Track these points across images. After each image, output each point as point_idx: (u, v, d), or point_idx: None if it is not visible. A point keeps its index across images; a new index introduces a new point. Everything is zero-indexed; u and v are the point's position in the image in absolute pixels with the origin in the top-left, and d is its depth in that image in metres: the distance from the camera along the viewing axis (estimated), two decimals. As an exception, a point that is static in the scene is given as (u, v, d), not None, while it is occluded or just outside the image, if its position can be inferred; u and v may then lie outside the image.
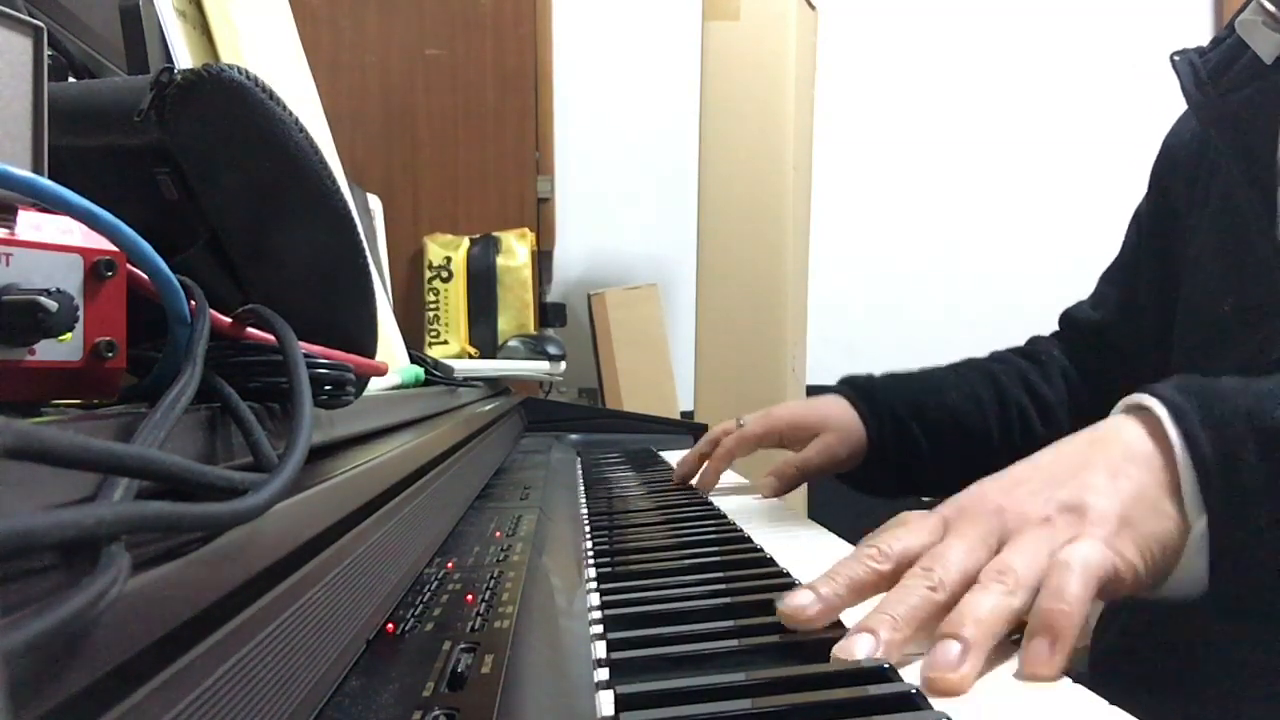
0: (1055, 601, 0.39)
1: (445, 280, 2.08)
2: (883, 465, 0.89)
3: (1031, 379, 0.92)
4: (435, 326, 2.07)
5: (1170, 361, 0.79)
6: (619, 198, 2.44)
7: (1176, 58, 0.77)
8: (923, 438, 0.88)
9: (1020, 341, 1.01)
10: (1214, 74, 0.74)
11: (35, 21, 0.30)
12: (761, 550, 0.59)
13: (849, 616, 0.43)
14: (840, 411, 0.88)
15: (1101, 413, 0.90)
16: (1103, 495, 0.44)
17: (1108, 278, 0.93)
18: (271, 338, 0.36)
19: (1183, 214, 0.80)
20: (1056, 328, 0.98)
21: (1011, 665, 0.39)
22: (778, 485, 0.86)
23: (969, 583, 0.42)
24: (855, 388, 0.90)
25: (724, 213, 1.72)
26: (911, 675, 0.37)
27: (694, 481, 0.92)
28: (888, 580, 0.43)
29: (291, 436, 0.29)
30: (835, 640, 0.40)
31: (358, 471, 0.40)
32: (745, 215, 1.71)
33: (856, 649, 0.39)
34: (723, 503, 0.82)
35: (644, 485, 0.94)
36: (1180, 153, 0.81)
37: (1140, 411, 0.48)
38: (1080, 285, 0.97)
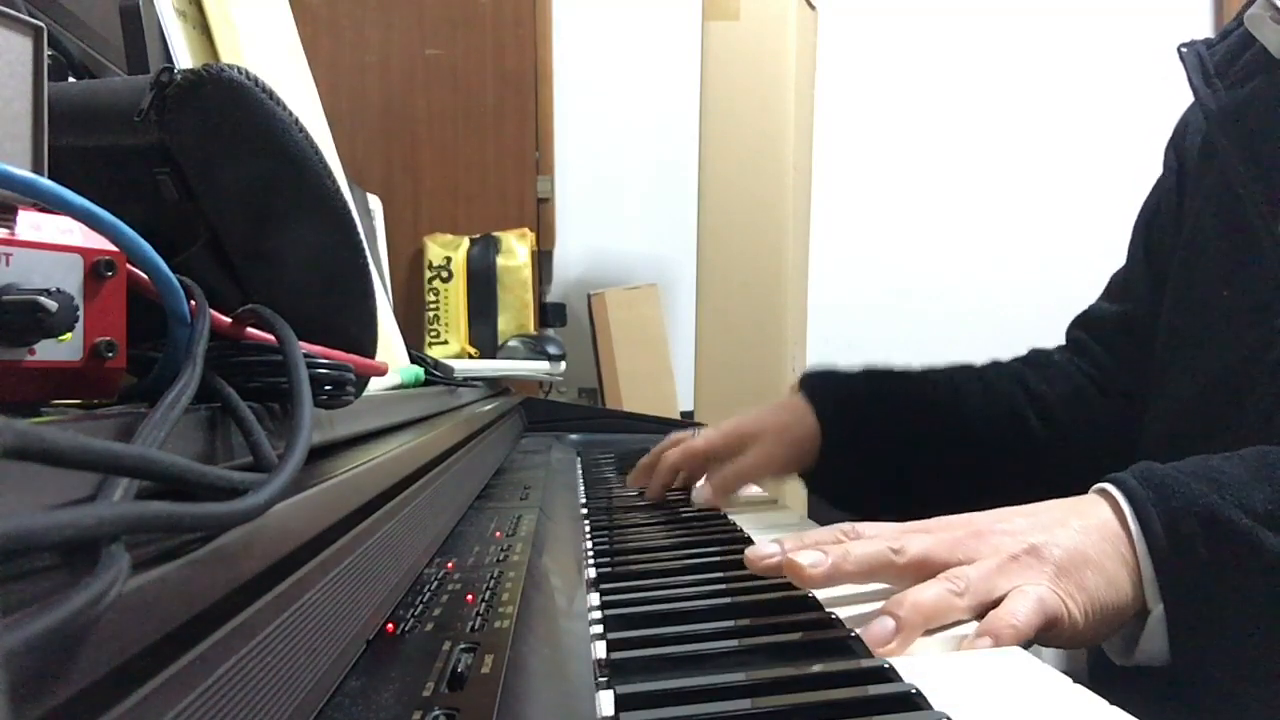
0: (1006, 615, 0.44)
1: (445, 280, 2.08)
2: (842, 454, 0.82)
3: (1027, 379, 0.89)
4: (435, 326, 2.07)
5: (1165, 350, 0.77)
6: (619, 198, 2.44)
7: (1184, 49, 0.76)
8: (886, 413, 0.83)
9: (1022, 338, 0.99)
10: (1221, 67, 0.74)
11: (35, 21, 0.30)
12: (761, 550, 0.59)
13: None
14: (779, 416, 0.83)
15: (1117, 412, 0.87)
16: (1066, 553, 0.48)
17: (1126, 270, 0.90)
18: (271, 338, 0.36)
19: (1188, 199, 0.79)
20: (1061, 326, 0.96)
21: (1012, 665, 0.39)
22: (711, 497, 0.79)
23: (929, 570, 0.47)
24: (810, 376, 0.86)
25: (724, 213, 1.72)
26: (907, 672, 0.37)
27: (647, 495, 0.85)
28: None
29: (291, 436, 0.29)
30: (838, 640, 0.40)
31: (358, 471, 0.40)
32: (745, 215, 1.71)
33: (802, 557, 0.45)
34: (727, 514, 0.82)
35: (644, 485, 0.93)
36: (1190, 140, 0.81)
37: (1109, 497, 0.52)
38: (1080, 285, 0.97)
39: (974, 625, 0.45)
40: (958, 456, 0.84)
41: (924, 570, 0.47)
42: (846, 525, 0.51)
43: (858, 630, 0.41)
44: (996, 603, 0.45)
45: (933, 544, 0.48)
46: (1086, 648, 0.52)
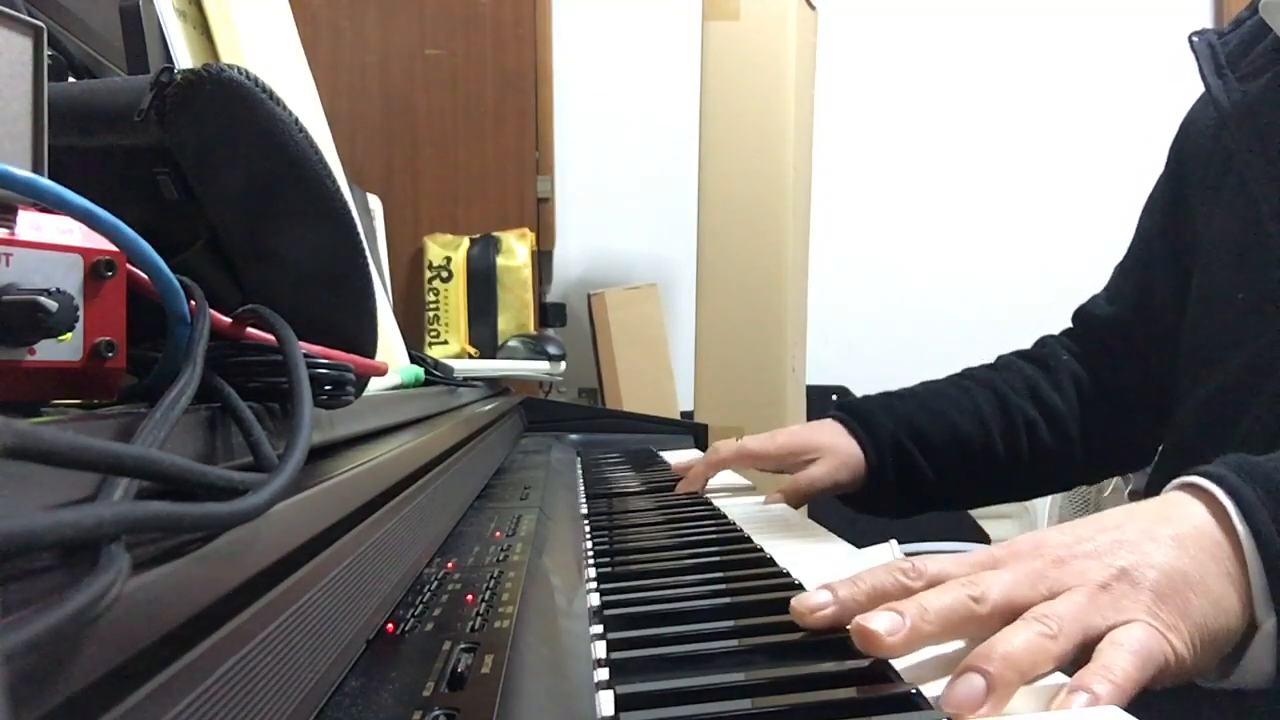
0: (1102, 671, 0.36)
1: (445, 280, 2.08)
2: (884, 489, 0.88)
3: (1040, 388, 0.90)
4: (435, 326, 2.07)
5: (1180, 354, 0.77)
6: (619, 198, 2.44)
7: (1195, 38, 0.74)
8: (925, 462, 0.87)
9: (1020, 340, 0.99)
10: (1233, 58, 0.72)
11: (35, 21, 0.30)
12: (761, 550, 0.59)
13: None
14: (839, 439, 0.88)
15: (1114, 417, 0.89)
16: (1164, 575, 0.42)
17: (1122, 269, 0.90)
18: (271, 338, 0.36)
19: (1197, 200, 0.78)
20: (1066, 325, 0.95)
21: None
22: (788, 502, 0.86)
23: (1013, 613, 0.40)
24: (851, 413, 0.89)
25: (724, 213, 1.72)
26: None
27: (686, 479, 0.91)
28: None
29: (291, 436, 0.29)
30: (839, 639, 0.40)
31: (358, 471, 0.39)
32: (745, 215, 1.71)
33: (876, 621, 0.38)
34: (724, 504, 0.82)
35: (644, 485, 0.94)
36: (1197, 138, 0.79)
37: (1202, 494, 0.46)
38: (1081, 281, 0.96)
39: (1060, 677, 0.38)
40: (980, 469, 0.89)
41: (1009, 616, 0.40)
42: (904, 562, 0.43)
43: (939, 692, 0.35)
44: (1092, 641, 0.39)
45: (1013, 582, 0.41)
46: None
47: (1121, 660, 0.37)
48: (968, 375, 0.94)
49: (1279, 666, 0.43)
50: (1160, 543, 0.43)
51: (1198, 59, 0.73)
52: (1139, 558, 0.42)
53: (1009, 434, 0.88)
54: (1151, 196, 0.87)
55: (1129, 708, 0.34)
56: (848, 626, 0.39)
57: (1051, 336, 0.96)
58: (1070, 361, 0.91)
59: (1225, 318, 0.71)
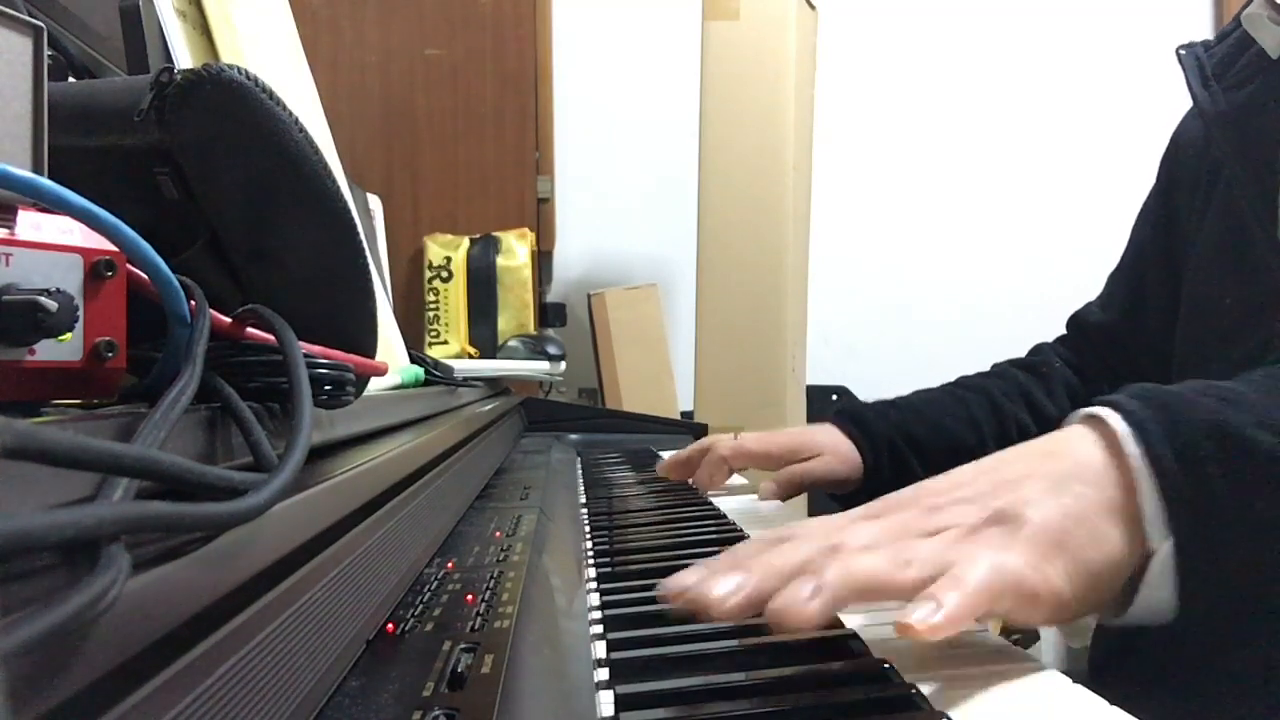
0: (949, 582, 0.36)
1: (445, 280, 2.08)
2: (880, 491, 0.88)
3: (1033, 394, 0.91)
4: (435, 326, 2.07)
5: (1173, 360, 0.79)
6: (619, 198, 2.44)
7: (1182, 52, 0.76)
8: (920, 469, 0.88)
9: (1020, 341, 1.00)
10: (1219, 69, 0.74)
11: (35, 21, 0.30)
12: (761, 550, 0.59)
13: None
14: (837, 439, 0.88)
15: None
16: (1040, 511, 0.40)
17: (1115, 277, 0.92)
18: (271, 338, 0.36)
19: (1186, 210, 0.79)
20: (1061, 332, 0.97)
21: (1010, 666, 0.39)
22: (777, 491, 0.86)
23: None
24: (849, 418, 0.90)
25: (724, 213, 1.72)
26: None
27: (690, 482, 0.92)
28: None
29: (291, 436, 0.29)
30: (838, 639, 0.40)
31: (358, 471, 0.39)
32: (745, 215, 1.71)
33: (718, 587, 0.38)
34: (723, 503, 0.82)
35: (644, 485, 0.94)
36: (1188, 149, 0.81)
37: (1096, 423, 0.45)
38: (1081, 283, 0.97)
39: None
40: None
41: None
42: (784, 530, 0.43)
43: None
44: None
45: (879, 533, 0.41)
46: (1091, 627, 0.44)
47: (973, 572, 0.36)
48: (962, 383, 0.95)
49: (1180, 596, 0.41)
50: (1039, 480, 0.42)
51: (1185, 71, 0.75)
52: (1015, 497, 0.41)
53: (1002, 440, 0.89)
54: (1144, 206, 0.88)
55: (1116, 695, 0.34)
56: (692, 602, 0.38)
57: (1046, 344, 0.97)
58: (1064, 369, 0.93)
59: (1214, 322, 0.72)
